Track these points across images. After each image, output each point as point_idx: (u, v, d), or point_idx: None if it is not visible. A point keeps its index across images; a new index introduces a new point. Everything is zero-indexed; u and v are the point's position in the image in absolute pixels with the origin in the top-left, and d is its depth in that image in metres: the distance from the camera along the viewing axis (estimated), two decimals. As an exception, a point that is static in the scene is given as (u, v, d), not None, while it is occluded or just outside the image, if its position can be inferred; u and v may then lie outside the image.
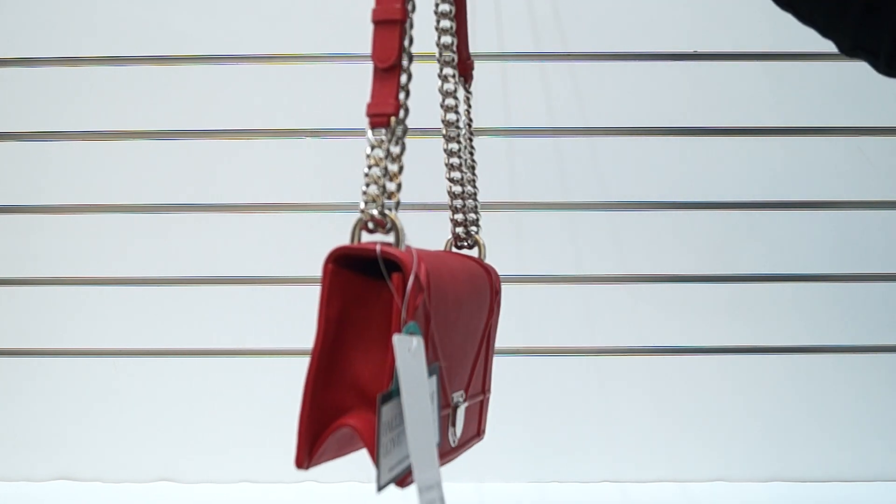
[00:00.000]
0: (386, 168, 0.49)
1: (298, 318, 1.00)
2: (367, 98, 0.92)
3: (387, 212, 0.49)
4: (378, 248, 0.46)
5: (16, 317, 1.01)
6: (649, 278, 0.99)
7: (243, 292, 1.00)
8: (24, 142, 0.99)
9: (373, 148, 0.50)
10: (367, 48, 0.51)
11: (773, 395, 1.00)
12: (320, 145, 0.98)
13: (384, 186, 0.49)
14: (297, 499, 0.97)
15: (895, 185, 0.98)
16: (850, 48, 0.53)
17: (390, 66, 0.51)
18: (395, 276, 0.45)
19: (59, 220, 1.00)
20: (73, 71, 0.98)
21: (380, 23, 0.51)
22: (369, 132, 0.50)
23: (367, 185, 0.49)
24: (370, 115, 0.50)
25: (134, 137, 0.99)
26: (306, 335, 1.02)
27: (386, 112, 0.50)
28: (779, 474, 1.01)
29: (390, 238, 0.48)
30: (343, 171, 0.98)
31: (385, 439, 0.44)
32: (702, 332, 1.00)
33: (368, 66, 0.52)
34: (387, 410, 0.44)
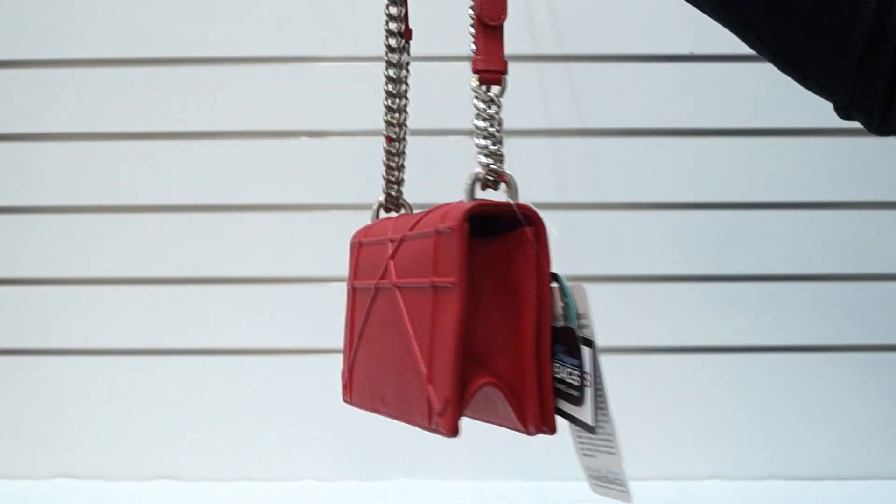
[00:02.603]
0: (500, 124, 0.51)
1: (298, 318, 1.00)
2: (365, 98, 0.93)
3: (505, 168, 0.50)
4: (513, 202, 0.46)
5: (16, 317, 1.01)
6: (646, 278, 1.00)
7: (243, 292, 1.00)
8: (24, 142, 1.00)
9: (484, 103, 0.51)
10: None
11: (768, 394, 1.01)
12: (320, 146, 0.98)
13: (501, 141, 0.50)
14: (297, 497, 0.97)
15: (890, 186, 0.99)
16: (846, 106, 0.54)
17: (501, 23, 0.53)
18: (528, 229, 0.46)
19: (59, 220, 1.00)
20: (74, 72, 0.98)
21: None
22: (477, 88, 0.51)
23: (485, 139, 0.50)
24: (480, 70, 0.52)
25: (134, 138, 0.99)
26: (306, 334, 1.03)
27: (499, 70, 0.52)
28: (775, 472, 1.02)
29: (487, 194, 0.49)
30: (342, 171, 0.99)
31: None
32: (698, 331, 1.00)
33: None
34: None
